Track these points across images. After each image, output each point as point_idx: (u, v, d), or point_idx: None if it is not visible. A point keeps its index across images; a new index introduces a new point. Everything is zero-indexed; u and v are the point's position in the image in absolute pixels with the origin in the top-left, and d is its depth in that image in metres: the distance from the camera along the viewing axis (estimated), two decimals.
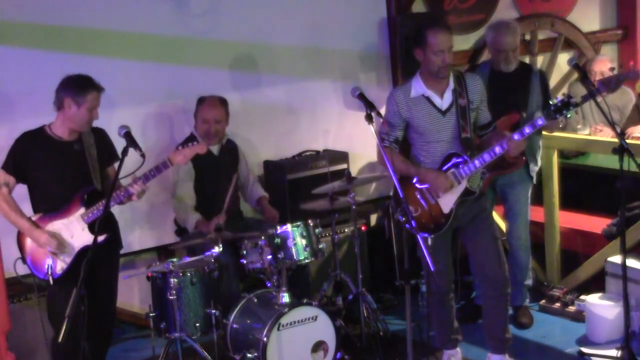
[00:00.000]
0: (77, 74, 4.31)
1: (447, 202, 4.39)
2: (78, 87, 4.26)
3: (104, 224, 3.94)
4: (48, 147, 4.32)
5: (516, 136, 4.24)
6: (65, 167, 4.33)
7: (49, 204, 4.33)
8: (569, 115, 4.24)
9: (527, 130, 4.24)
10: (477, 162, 4.32)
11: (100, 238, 4.06)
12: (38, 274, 4.35)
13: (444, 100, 4.37)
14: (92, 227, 4.27)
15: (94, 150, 4.39)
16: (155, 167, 4.28)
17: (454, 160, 4.35)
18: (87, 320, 4.39)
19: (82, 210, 4.31)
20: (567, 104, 4.17)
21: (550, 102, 4.24)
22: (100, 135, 4.48)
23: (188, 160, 4.43)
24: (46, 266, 4.28)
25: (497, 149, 4.27)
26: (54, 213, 4.32)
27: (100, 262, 4.16)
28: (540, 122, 4.23)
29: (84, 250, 4.27)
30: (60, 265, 4.30)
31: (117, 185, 4.24)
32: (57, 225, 4.31)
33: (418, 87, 4.39)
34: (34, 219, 4.34)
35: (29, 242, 4.35)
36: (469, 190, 4.39)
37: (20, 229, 4.34)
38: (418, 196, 4.41)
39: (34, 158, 4.31)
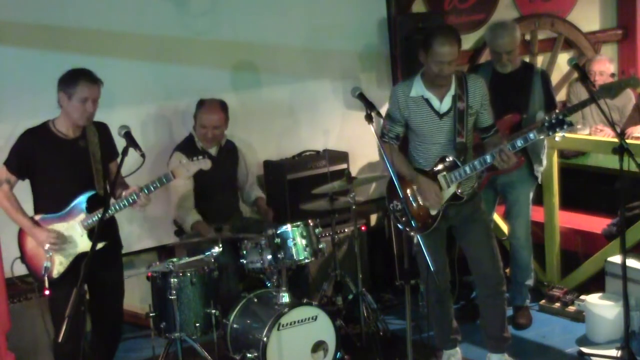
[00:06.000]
0: (74, 68, 4.26)
1: (435, 206, 4.40)
2: (68, 79, 4.19)
3: (106, 230, 3.88)
4: (53, 144, 4.26)
5: (508, 147, 4.24)
6: (70, 165, 4.27)
7: (52, 203, 4.29)
8: (562, 134, 4.19)
9: (519, 143, 4.23)
10: (467, 169, 4.32)
11: (99, 245, 4.04)
12: (35, 275, 4.33)
13: (443, 104, 4.36)
14: (92, 233, 4.22)
15: (97, 151, 4.33)
16: (157, 179, 4.21)
17: (446, 163, 4.36)
18: (96, 321, 4.41)
19: (82, 215, 4.26)
20: (561, 122, 4.14)
21: (546, 118, 4.23)
22: (103, 131, 4.41)
23: (191, 174, 4.35)
24: (43, 268, 4.24)
25: (488, 158, 4.27)
26: (55, 216, 4.28)
27: (103, 265, 4.16)
28: (532, 136, 4.21)
29: (82, 255, 4.22)
30: (57, 269, 4.27)
31: (116, 190, 4.21)
32: (58, 229, 4.27)
33: (418, 87, 4.38)
34: (35, 219, 4.31)
35: (28, 243, 4.32)
36: (457, 195, 4.40)
37: (21, 226, 4.31)
38: (409, 194, 4.43)
39: (38, 155, 4.25)
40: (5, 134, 4.60)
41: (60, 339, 3.51)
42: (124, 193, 4.21)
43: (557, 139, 4.21)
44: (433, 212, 4.41)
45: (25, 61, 5.02)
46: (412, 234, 4.21)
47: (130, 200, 4.19)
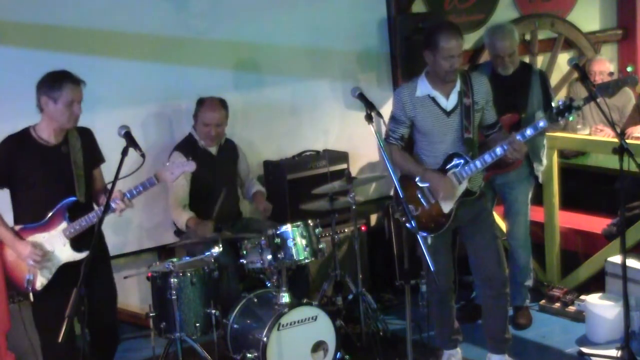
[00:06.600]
0: (53, 70, 4.13)
1: (448, 202, 4.39)
2: (51, 82, 4.05)
3: (89, 239, 3.74)
4: (34, 151, 4.11)
5: (518, 137, 4.24)
6: (52, 173, 4.14)
7: (33, 211, 4.15)
8: (570, 118, 4.26)
9: (529, 132, 4.23)
10: (478, 163, 4.32)
11: (82, 255, 3.99)
12: (17, 288, 4.20)
13: (449, 101, 4.36)
14: (74, 243, 4.14)
15: (80, 157, 4.20)
16: (140, 184, 4.12)
17: (456, 160, 4.35)
18: (91, 327, 4.33)
19: (64, 224, 4.13)
20: (569, 107, 4.16)
21: (553, 105, 4.24)
22: (87, 137, 4.30)
23: (176, 178, 4.24)
24: (25, 281, 4.11)
25: (498, 150, 4.27)
26: (35, 225, 4.15)
27: (93, 273, 3.91)
28: (542, 124, 4.22)
29: (65, 266, 4.13)
30: (40, 281, 4.13)
31: (98, 196, 4.16)
32: (38, 239, 4.14)
33: (423, 87, 4.38)
34: (15, 229, 4.16)
35: (9, 255, 4.18)
36: (469, 190, 4.40)
37: (2, 238, 4.15)
38: (419, 195, 4.41)
39: (18, 163, 4.11)
40: (4, 134, 4.58)
41: (60, 339, 3.48)
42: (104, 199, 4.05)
43: (570, 118, 4.27)
44: (446, 210, 4.39)
45: (24, 61, 5.00)
46: (425, 235, 4.17)
47: (113, 206, 4.05)
